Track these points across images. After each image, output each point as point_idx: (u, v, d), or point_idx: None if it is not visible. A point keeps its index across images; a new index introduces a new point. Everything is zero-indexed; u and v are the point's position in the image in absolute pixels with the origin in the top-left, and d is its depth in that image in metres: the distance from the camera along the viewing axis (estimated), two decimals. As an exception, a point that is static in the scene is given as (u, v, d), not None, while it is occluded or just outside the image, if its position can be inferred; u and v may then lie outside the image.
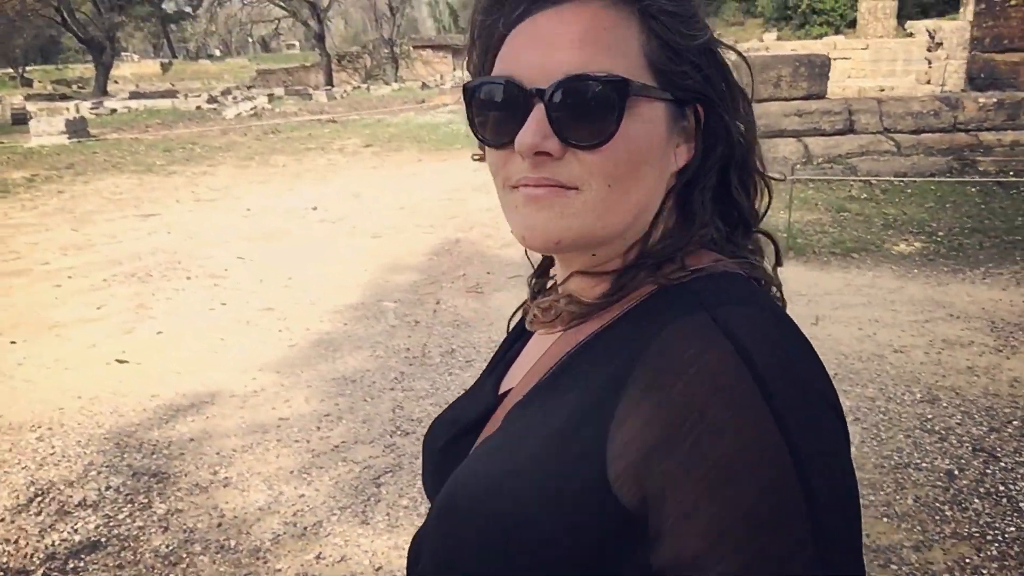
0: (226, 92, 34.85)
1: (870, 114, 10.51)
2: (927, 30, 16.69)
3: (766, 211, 0.79)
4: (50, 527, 3.33)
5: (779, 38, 29.64)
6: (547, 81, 0.66)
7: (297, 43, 75.26)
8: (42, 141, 16.56)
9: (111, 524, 3.34)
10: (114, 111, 26.80)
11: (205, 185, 12.07)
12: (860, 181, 9.45)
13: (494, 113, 0.70)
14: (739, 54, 0.77)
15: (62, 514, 3.42)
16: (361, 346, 5.27)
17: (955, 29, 15.37)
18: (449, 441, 0.81)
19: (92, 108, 27.28)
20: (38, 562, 3.10)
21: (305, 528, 3.27)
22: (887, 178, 9.46)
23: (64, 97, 37.24)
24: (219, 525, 3.32)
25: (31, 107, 27.77)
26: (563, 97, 0.66)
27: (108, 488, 3.61)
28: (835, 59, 19.82)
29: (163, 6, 66.38)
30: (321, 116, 23.18)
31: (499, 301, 5.99)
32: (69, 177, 12.98)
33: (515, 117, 0.68)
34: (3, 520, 3.38)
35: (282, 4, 47.38)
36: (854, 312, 5.61)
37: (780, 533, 0.54)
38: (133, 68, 62.21)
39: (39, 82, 55.90)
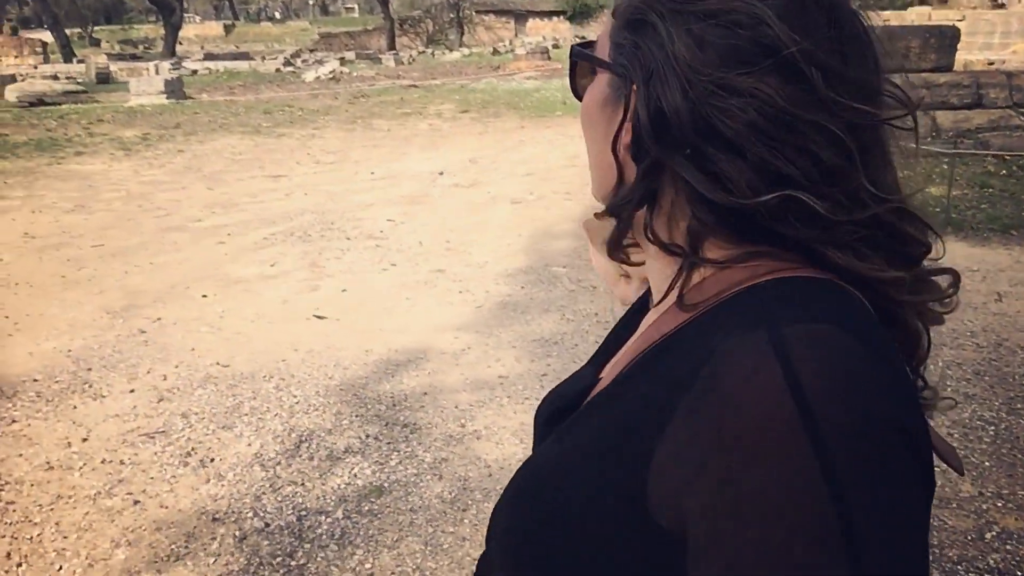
0: (295, 55, 35.09)
1: (999, 88, 10.31)
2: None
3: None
4: (328, 471, 3.50)
5: (860, 6, 28.89)
6: None
7: (356, 6, 75.25)
8: (141, 101, 16.91)
9: (386, 470, 3.50)
10: (195, 72, 27.19)
11: (318, 148, 12.26)
12: (994, 157, 9.28)
13: None
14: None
15: (333, 459, 3.60)
16: (548, 309, 5.38)
17: None
18: (551, 416, 0.80)
19: (172, 69, 27.71)
20: (332, 504, 3.28)
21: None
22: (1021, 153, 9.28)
23: (134, 57, 37.85)
24: (489, 475, 3.46)
25: (113, 67, 28.28)
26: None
27: (368, 436, 3.77)
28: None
29: (226, -32, 66.89)
30: (400, 81, 23.30)
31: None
32: (181, 137, 13.27)
33: None
34: (280, 464, 3.57)
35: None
36: (1036, 289, 5.57)
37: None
38: (196, 29, 62.89)
39: (106, 42, 56.79)
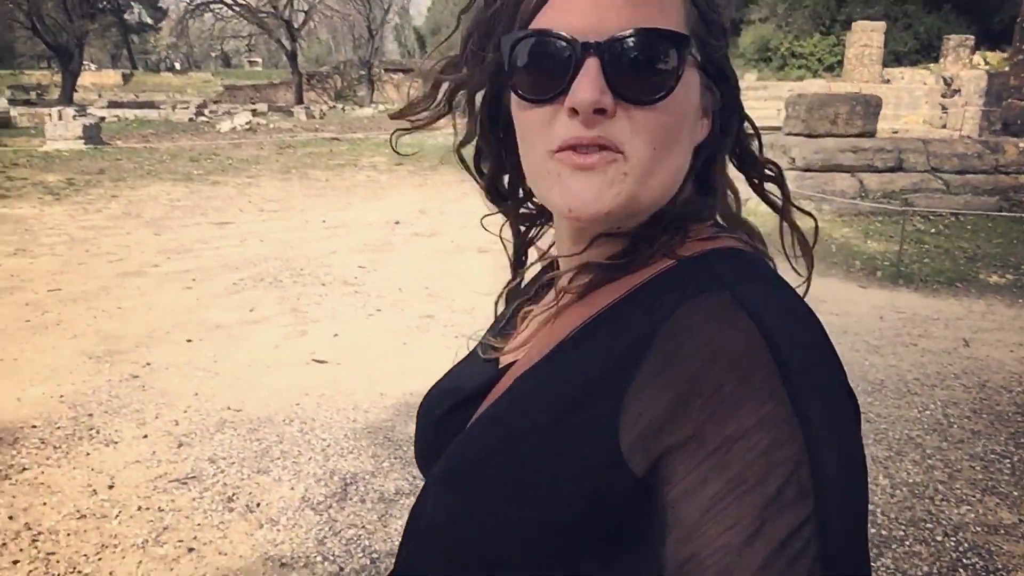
0: (203, 105, 34.45)
1: (917, 154, 11.05)
2: (943, 77, 17.58)
3: (786, 202, 0.82)
4: (386, 514, 3.41)
5: (759, 79, 30.65)
6: (600, 36, 0.64)
7: (260, 60, 74.65)
8: (58, 146, 16.21)
9: (444, 511, 3.43)
10: (103, 119, 26.26)
11: (258, 196, 12.04)
12: (921, 216, 9.94)
13: (537, 68, 0.67)
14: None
15: (387, 502, 3.50)
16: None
17: (972, 78, 16.29)
18: (450, 410, 0.80)
19: (77, 115, 26.70)
20: (399, 545, 3.19)
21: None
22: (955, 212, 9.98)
23: (29, 103, 36.32)
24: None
25: (13, 112, 27.05)
26: (620, 52, 0.64)
27: (415, 478, 3.69)
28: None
29: (125, 16, 65.35)
30: (320, 133, 23.14)
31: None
32: (110, 182, 12.79)
33: (563, 72, 0.65)
34: (332, 507, 3.45)
35: (257, 21, 47.09)
36: (996, 335, 5.97)
37: (786, 511, 0.53)
38: (93, 77, 60.89)
39: (-6, 87, 54.36)
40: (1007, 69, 13.36)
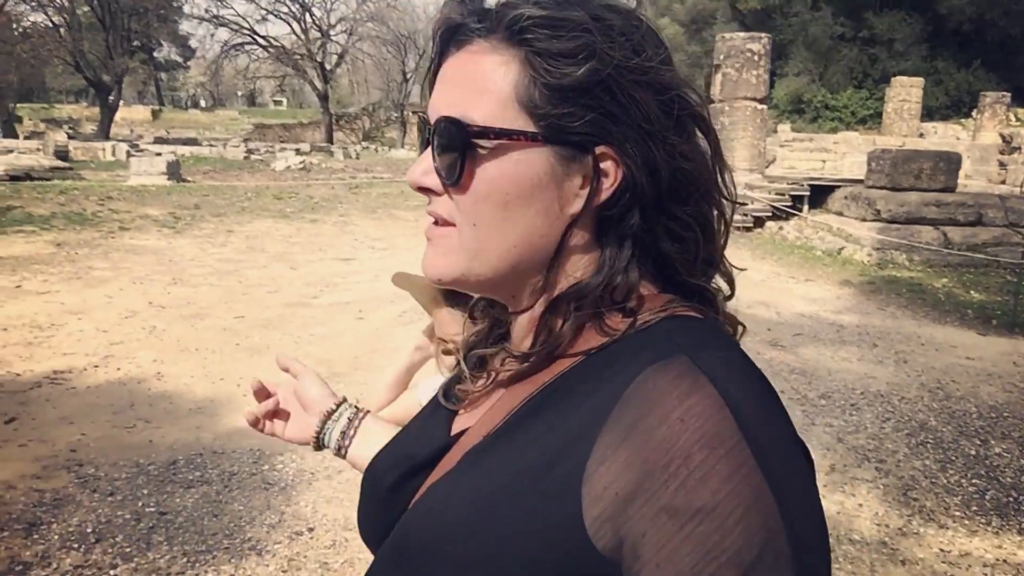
0: (245, 142, 35.30)
1: (995, 208, 11.66)
2: (1002, 135, 18.26)
3: (725, 242, 0.76)
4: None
5: (793, 129, 31.42)
6: (432, 119, 0.70)
7: (284, 100, 75.90)
8: (143, 180, 16.84)
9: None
10: (159, 155, 27.02)
11: (360, 234, 12.59)
12: (1003, 268, 10.49)
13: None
14: (699, 95, 0.71)
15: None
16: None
17: None
18: (398, 480, 0.78)
19: (132, 150, 27.49)
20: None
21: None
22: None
23: (70, 137, 37.17)
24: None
25: (72, 146, 27.82)
26: (435, 136, 0.69)
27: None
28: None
29: (155, 54, 66.69)
30: (378, 174, 23.83)
31: (808, 353, 6.71)
32: (212, 217, 13.36)
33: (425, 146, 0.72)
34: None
35: (291, 63, 48.16)
36: None
37: None
38: (123, 112, 61.98)
39: (28, 120, 55.37)
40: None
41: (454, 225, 0.70)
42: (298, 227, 12.86)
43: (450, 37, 0.72)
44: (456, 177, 0.68)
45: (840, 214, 12.35)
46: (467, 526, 0.64)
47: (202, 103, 75.82)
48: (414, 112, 49.94)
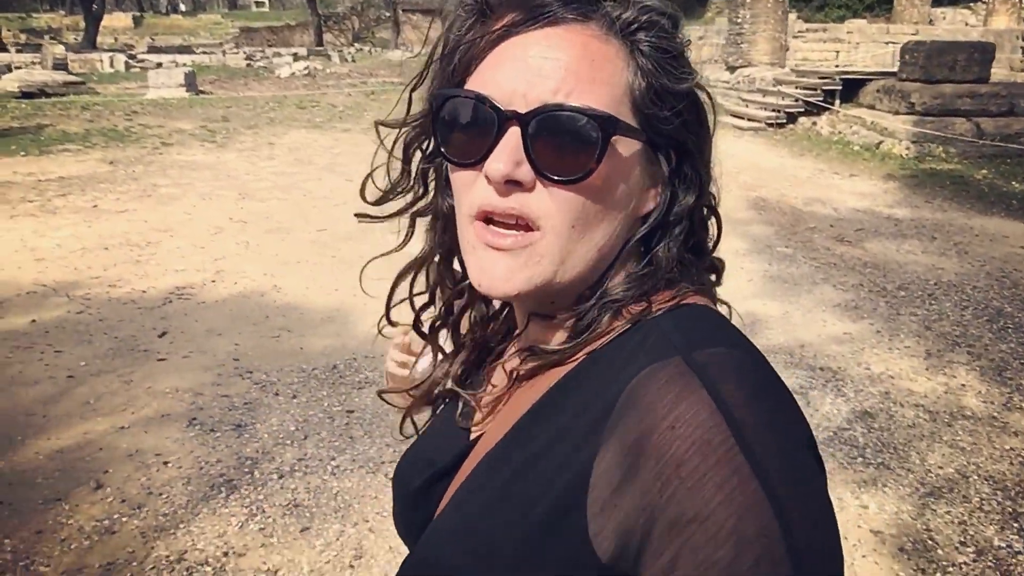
0: (237, 47, 34.65)
1: (1027, 98, 11.85)
2: None
3: (717, 243, 0.78)
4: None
5: (799, 17, 30.96)
6: (526, 106, 0.64)
7: (267, 0, 73.68)
8: (162, 93, 16.73)
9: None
10: (160, 65, 26.58)
11: (397, 142, 12.69)
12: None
13: (463, 131, 0.67)
14: (711, 99, 0.73)
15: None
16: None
17: None
18: (425, 483, 0.80)
19: (131, 61, 27.04)
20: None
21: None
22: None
23: (66, 47, 36.24)
24: (939, 400, 4.31)
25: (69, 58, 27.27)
26: (543, 126, 0.63)
27: (809, 376, 4.54)
28: (887, 43, 21.39)
29: (131, -43, 64.39)
30: (385, 78, 23.59)
31: (874, 247, 7.05)
32: (245, 129, 13.42)
33: (486, 138, 0.65)
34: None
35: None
36: None
37: None
38: (104, 21, 60.21)
39: (7, 30, 53.77)
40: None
41: (534, 229, 0.65)
42: (335, 137, 12.94)
43: (526, 4, 0.66)
44: (585, 173, 0.63)
45: (872, 107, 12.48)
46: (484, 541, 0.65)
47: (182, 7, 73.60)
48: (405, 10, 48.76)
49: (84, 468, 3.46)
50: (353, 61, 33.33)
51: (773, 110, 13.59)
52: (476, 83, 0.67)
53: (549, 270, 0.65)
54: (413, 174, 0.80)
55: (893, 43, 21.51)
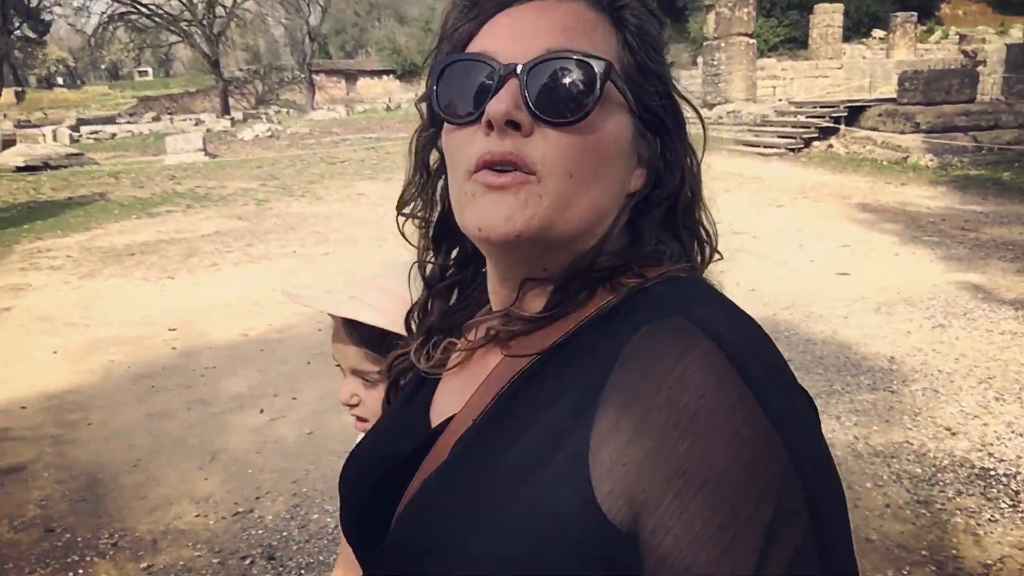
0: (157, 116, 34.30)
1: (1007, 114, 13.99)
2: (965, 51, 21.01)
3: (709, 261, 0.77)
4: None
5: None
6: (524, 59, 0.65)
7: (149, 70, 72.38)
8: (182, 158, 16.95)
9: None
10: (114, 135, 26.34)
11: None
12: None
13: (463, 90, 0.68)
14: (694, 109, 0.76)
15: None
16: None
17: (993, 51, 19.84)
18: (383, 478, 0.75)
19: (91, 134, 26.68)
20: None
21: None
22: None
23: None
24: None
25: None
26: (540, 72, 0.64)
27: None
28: (815, 77, 23.95)
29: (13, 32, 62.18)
30: (350, 136, 24.16)
31: (988, 234, 8.48)
32: (309, 184, 13.89)
33: (484, 93, 0.66)
34: None
35: (179, 30, 46.30)
36: None
37: (786, 532, 0.53)
38: (-16, 97, 57.67)
39: None
40: None
41: (531, 174, 0.64)
42: (360, 190, 13.40)
43: None
44: (582, 114, 0.64)
45: (875, 129, 14.36)
46: (472, 517, 0.63)
47: (60, 80, 71.28)
48: (316, 72, 48.93)
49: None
50: (279, 124, 33.61)
51: (790, 136, 15.29)
52: (475, 48, 0.69)
53: (550, 211, 0.64)
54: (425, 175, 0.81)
55: (823, 76, 24.24)
